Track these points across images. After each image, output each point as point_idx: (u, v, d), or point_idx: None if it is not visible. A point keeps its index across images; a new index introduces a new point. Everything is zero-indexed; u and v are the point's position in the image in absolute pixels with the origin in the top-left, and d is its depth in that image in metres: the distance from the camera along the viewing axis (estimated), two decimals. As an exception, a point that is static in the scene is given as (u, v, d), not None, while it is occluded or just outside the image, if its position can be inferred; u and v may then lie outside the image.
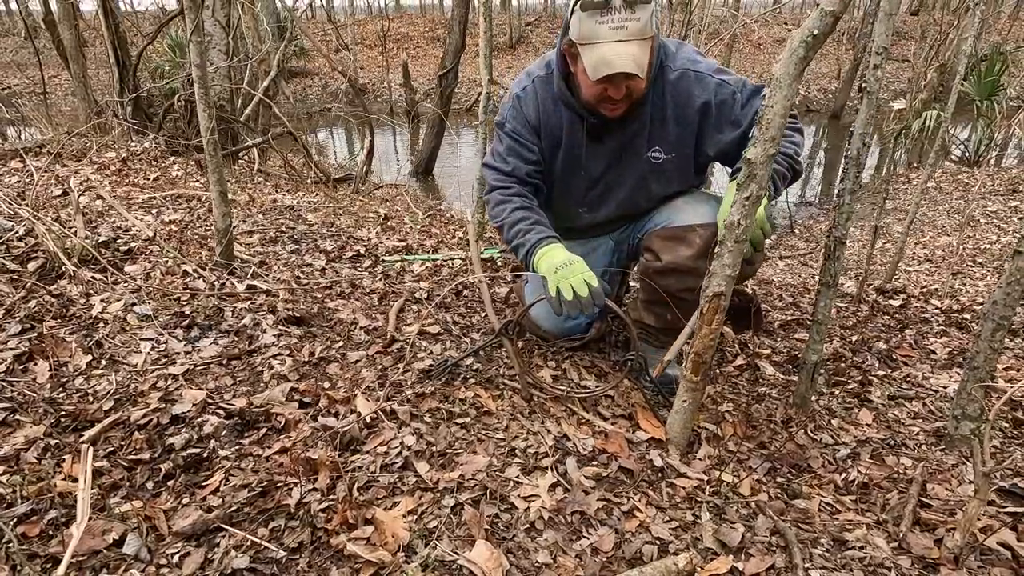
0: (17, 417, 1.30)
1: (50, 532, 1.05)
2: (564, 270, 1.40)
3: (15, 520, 1.05)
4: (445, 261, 2.75)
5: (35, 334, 1.58)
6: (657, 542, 1.13)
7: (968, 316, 2.61)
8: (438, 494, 1.19)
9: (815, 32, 1.05)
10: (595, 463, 1.35)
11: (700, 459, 1.42)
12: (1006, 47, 9.10)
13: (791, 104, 1.11)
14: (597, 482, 1.28)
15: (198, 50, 1.90)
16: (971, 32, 3.55)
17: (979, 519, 1.17)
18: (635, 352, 1.52)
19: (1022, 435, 1.61)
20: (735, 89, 1.46)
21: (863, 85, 1.42)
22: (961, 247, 4.96)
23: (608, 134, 1.54)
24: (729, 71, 1.51)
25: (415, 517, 1.13)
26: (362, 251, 2.76)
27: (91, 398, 1.40)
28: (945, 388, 1.92)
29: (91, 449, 1.12)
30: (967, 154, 8.32)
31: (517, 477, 1.26)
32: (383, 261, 2.65)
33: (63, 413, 1.32)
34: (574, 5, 1.31)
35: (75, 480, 1.14)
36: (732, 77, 1.48)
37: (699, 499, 1.27)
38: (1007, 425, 1.65)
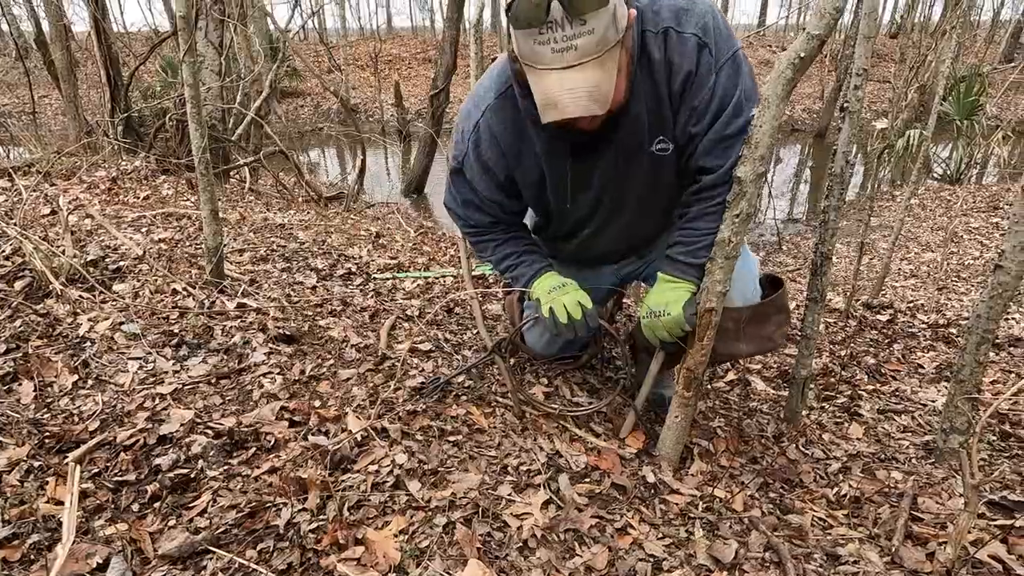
0: None
1: (32, 556, 1.02)
2: (557, 291, 1.37)
3: (-4, 544, 1.02)
4: (436, 278, 2.75)
5: (20, 354, 1.56)
6: (651, 559, 1.12)
7: (954, 330, 2.64)
8: (430, 513, 1.17)
9: (802, 55, 1.09)
10: (588, 480, 1.34)
11: (693, 475, 1.42)
12: (983, 69, 9.37)
13: (780, 123, 1.13)
14: (590, 499, 1.28)
15: (191, 70, 1.91)
16: (948, 55, 3.66)
17: (970, 532, 1.18)
18: (627, 370, 1.52)
19: (1010, 447, 1.63)
20: (713, 63, 1.13)
21: (844, 105, 1.46)
22: (945, 263, 5.04)
23: (600, 145, 1.23)
24: (723, 30, 1.13)
25: (406, 537, 1.12)
26: (353, 269, 2.75)
27: (76, 419, 1.38)
28: (933, 402, 1.94)
29: (78, 468, 1.10)
30: (949, 172, 8.50)
31: (509, 495, 1.25)
32: (374, 279, 2.65)
33: (47, 434, 1.30)
34: (507, 12, 0.99)
35: (59, 503, 1.12)
36: (718, 45, 1.12)
37: (692, 515, 1.27)
38: (995, 438, 1.67)
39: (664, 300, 1.29)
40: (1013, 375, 2.15)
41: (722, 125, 1.16)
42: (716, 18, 1.13)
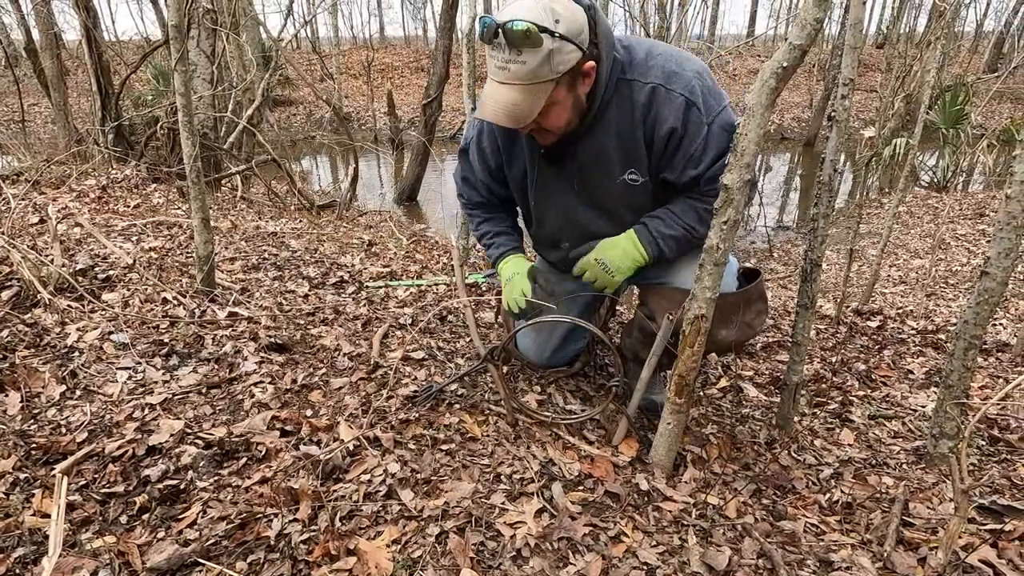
0: (-15, 450, 1.26)
1: (17, 571, 1.01)
2: (509, 283, 1.58)
3: (-20, 559, 1.01)
4: (429, 286, 2.75)
5: (7, 364, 1.54)
6: (644, 567, 1.12)
7: (943, 336, 2.67)
8: (422, 523, 1.17)
9: (784, 64, 1.10)
10: (581, 488, 1.34)
11: (686, 482, 1.42)
12: (968, 78, 9.53)
13: (765, 131, 1.15)
14: (583, 507, 1.27)
15: (182, 79, 1.91)
16: (933, 65, 3.72)
17: (960, 537, 1.18)
18: (620, 378, 1.52)
19: (999, 452, 1.64)
20: (704, 118, 1.27)
21: (832, 114, 1.48)
22: (933, 269, 5.10)
23: (568, 157, 1.40)
24: (711, 89, 1.29)
25: (399, 547, 1.11)
26: (346, 277, 2.75)
27: (64, 430, 1.36)
28: (923, 407, 1.95)
29: (66, 479, 1.08)
30: (935, 180, 8.61)
31: (503, 503, 1.24)
32: (367, 287, 2.64)
33: (34, 446, 1.28)
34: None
35: (45, 515, 1.10)
36: (706, 103, 1.27)
37: (685, 523, 1.27)
38: (984, 442, 1.68)
39: (613, 251, 1.44)
40: (1001, 380, 2.18)
41: (719, 167, 1.29)
42: (704, 80, 1.29)
